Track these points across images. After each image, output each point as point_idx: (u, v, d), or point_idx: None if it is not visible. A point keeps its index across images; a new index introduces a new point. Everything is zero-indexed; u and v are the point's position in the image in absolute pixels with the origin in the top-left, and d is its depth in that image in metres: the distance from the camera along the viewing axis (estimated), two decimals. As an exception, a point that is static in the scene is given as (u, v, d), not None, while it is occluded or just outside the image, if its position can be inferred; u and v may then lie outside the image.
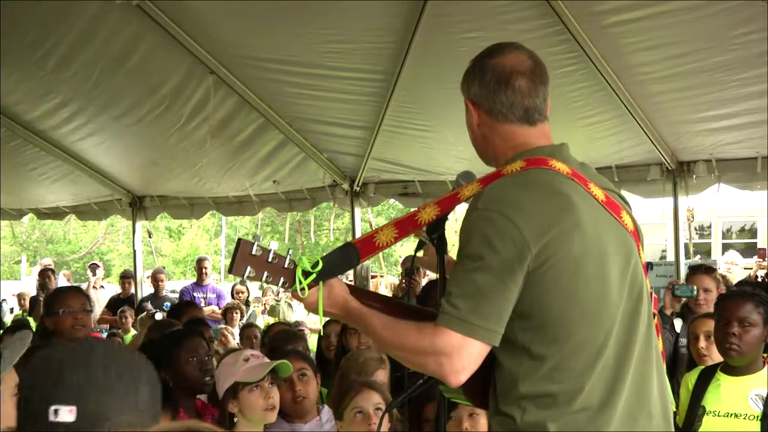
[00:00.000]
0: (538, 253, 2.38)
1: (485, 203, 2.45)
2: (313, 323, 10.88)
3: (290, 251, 2.62)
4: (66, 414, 2.05)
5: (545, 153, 2.59)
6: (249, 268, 2.52)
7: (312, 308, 2.64)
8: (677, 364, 5.81)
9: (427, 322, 2.46)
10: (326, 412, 4.33)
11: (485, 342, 2.40)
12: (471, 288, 2.40)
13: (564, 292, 2.42)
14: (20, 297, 14.63)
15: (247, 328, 8.41)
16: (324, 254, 2.65)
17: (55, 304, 5.13)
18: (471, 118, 2.75)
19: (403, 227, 2.65)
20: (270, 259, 2.55)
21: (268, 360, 4.04)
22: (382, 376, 4.62)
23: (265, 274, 2.55)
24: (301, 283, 2.56)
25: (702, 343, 4.94)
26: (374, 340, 2.63)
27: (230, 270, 2.55)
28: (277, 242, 2.66)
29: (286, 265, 2.58)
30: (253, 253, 2.52)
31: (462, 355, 2.38)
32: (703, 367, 4.64)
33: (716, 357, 4.80)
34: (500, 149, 2.68)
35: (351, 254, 2.63)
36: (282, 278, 2.58)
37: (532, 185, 2.49)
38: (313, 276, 2.57)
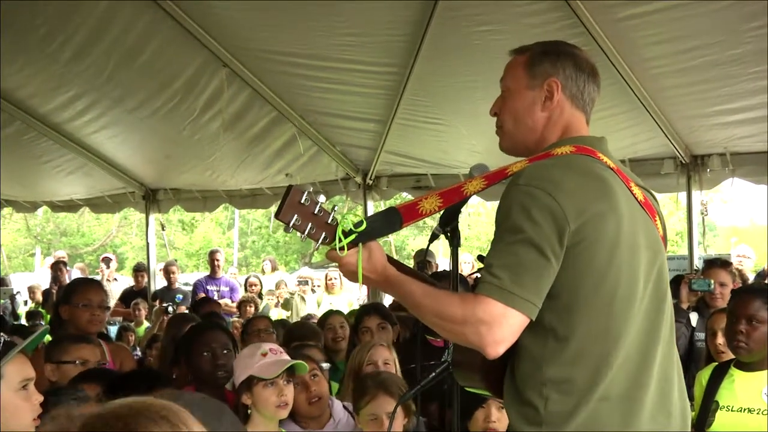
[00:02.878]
0: (575, 230, 2.39)
1: (526, 179, 2.46)
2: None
3: (335, 207, 2.59)
4: None
5: (588, 142, 2.63)
6: (296, 216, 2.48)
7: (348, 269, 2.60)
8: (692, 358, 5.79)
9: (468, 292, 2.46)
10: (337, 410, 4.34)
11: (525, 314, 2.39)
12: (512, 259, 2.40)
13: (595, 274, 2.43)
14: (31, 290, 14.68)
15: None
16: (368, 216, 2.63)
17: (75, 294, 5.09)
18: (545, 97, 2.70)
19: (447, 197, 2.64)
20: (316, 211, 2.51)
21: (286, 356, 4.04)
22: (384, 354, 4.69)
23: (309, 225, 2.51)
24: (341, 241, 2.54)
25: (720, 339, 4.91)
26: (412, 308, 2.58)
27: (277, 214, 2.50)
28: (324, 196, 2.63)
29: (329, 221, 2.54)
30: (302, 201, 2.49)
31: (502, 325, 2.37)
32: (716, 364, 4.63)
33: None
34: (555, 133, 2.69)
35: (394, 218, 2.62)
36: (324, 233, 2.54)
37: (574, 167, 2.51)
38: (354, 236, 2.55)
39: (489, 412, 3.91)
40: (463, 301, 2.44)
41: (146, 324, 10.30)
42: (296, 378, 4.19)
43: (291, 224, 2.49)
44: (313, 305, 12.00)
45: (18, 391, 2.68)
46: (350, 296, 11.45)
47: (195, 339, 4.49)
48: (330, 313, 6.68)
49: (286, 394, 3.90)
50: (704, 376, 4.52)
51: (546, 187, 2.41)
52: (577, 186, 2.45)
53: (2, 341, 2.69)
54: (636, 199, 2.59)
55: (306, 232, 2.52)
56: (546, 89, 2.69)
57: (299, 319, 10.29)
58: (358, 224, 2.55)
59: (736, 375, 4.37)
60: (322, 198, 2.54)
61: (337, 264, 2.63)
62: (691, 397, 4.12)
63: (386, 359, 4.65)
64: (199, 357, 4.38)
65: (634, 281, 2.49)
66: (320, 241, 2.55)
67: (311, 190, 2.51)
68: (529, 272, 2.38)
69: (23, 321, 12.58)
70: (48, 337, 4.81)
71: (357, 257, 2.57)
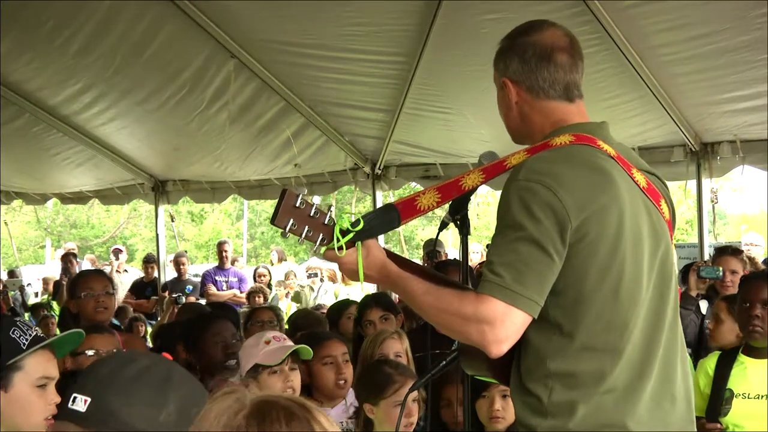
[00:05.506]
0: (578, 226, 2.37)
1: (526, 174, 2.43)
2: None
3: (332, 207, 2.57)
4: (80, 403, 2.06)
5: (587, 130, 2.59)
6: (292, 221, 2.47)
7: (348, 268, 2.59)
8: (702, 346, 5.78)
9: (469, 290, 2.44)
10: (351, 394, 4.36)
11: (527, 312, 2.37)
12: (513, 257, 2.37)
13: (599, 268, 2.41)
14: (45, 281, 14.79)
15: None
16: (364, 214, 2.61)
17: (78, 287, 5.13)
18: (508, 97, 2.70)
19: (446, 192, 2.61)
20: (312, 214, 2.50)
21: (290, 343, 4.05)
22: (395, 347, 4.66)
23: (306, 228, 2.50)
24: (339, 240, 2.52)
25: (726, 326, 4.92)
26: (413, 305, 2.58)
27: (273, 220, 2.49)
28: (318, 196, 2.62)
29: (326, 222, 2.53)
30: (297, 205, 2.48)
31: (505, 324, 2.35)
32: (719, 352, 4.61)
33: (721, 339, 4.85)
34: (539, 126, 2.66)
35: (392, 215, 2.60)
36: (321, 234, 2.53)
37: (575, 160, 2.48)
38: (352, 235, 2.53)
39: (492, 400, 3.89)
40: (465, 299, 2.42)
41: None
42: (329, 358, 4.26)
43: (287, 229, 2.48)
44: (329, 296, 11.99)
45: (35, 387, 2.68)
46: (367, 287, 11.44)
47: (206, 328, 4.51)
48: (348, 303, 6.67)
49: (292, 380, 3.91)
50: (709, 364, 4.51)
51: (546, 182, 2.38)
52: (578, 180, 2.42)
53: (33, 335, 2.70)
54: (638, 185, 2.56)
55: (303, 235, 2.51)
56: (505, 89, 2.69)
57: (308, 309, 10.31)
58: (355, 223, 2.53)
59: (747, 362, 4.37)
60: (317, 199, 2.54)
61: (337, 264, 2.61)
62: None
63: (397, 351, 4.63)
64: (212, 346, 4.41)
65: (638, 273, 2.47)
66: (318, 242, 2.53)
67: (305, 192, 2.50)
68: (531, 270, 2.36)
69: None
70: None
71: (356, 256, 2.56)
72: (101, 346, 4.20)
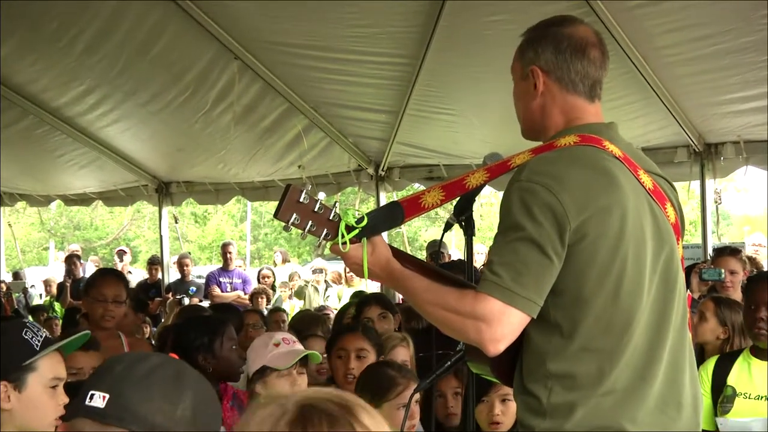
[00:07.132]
0: (577, 228, 2.36)
1: (528, 175, 2.43)
2: (335, 309, 10.88)
3: (336, 204, 2.58)
4: (98, 399, 2.07)
5: (594, 130, 2.57)
6: (295, 215, 2.48)
7: (352, 262, 2.60)
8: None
9: (469, 289, 2.45)
10: None
11: (525, 312, 2.37)
12: (513, 257, 2.38)
13: (599, 269, 2.40)
14: (47, 283, 14.78)
15: (274, 313, 8.44)
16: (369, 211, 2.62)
17: (92, 288, 5.00)
18: (533, 86, 2.66)
19: (450, 190, 2.62)
20: (316, 209, 2.51)
21: (299, 346, 4.05)
22: (403, 354, 4.66)
23: (310, 223, 2.51)
24: (343, 236, 2.54)
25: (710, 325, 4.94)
26: (414, 303, 2.59)
27: (276, 214, 2.50)
28: (324, 193, 2.62)
29: (330, 217, 2.54)
30: (301, 200, 2.49)
31: (502, 323, 2.36)
32: (717, 356, 4.61)
33: (701, 337, 4.88)
34: (554, 121, 2.64)
35: (396, 213, 2.61)
36: (325, 230, 2.54)
37: (579, 161, 2.47)
38: (356, 231, 2.55)
39: (492, 405, 3.88)
40: (464, 297, 2.42)
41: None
42: (342, 351, 4.29)
43: (290, 223, 2.49)
44: (333, 298, 12.00)
45: (47, 387, 2.70)
46: (370, 289, 11.45)
47: (222, 334, 4.48)
48: (350, 305, 6.69)
49: (299, 384, 3.92)
50: (709, 366, 4.50)
51: (547, 183, 2.38)
52: (580, 181, 2.42)
53: (43, 337, 2.72)
54: (644, 187, 2.55)
55: (306, 230, 2.52)
56: (532, 78, 2.65)
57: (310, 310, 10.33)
58: (359, 220, 2.55)
59: (753, 363, 4.36)
60: (321, 195, 2.54)
61: (343, 259, 2.62)
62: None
63: (405, 359, 4.63)
64: (230, 351, 4.39)
65: (640, 275, 2.46)
66: (321, 237, 2.55)
67: (310, 188, 2.51)
68: (530, 270, 2.36)
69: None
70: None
71: (362, 251, 2.57)
72: (83, 364, 3.96)
